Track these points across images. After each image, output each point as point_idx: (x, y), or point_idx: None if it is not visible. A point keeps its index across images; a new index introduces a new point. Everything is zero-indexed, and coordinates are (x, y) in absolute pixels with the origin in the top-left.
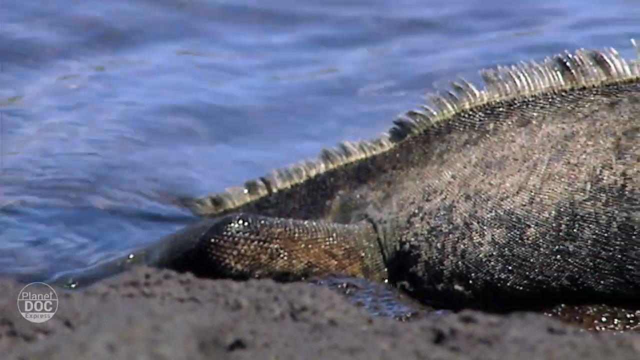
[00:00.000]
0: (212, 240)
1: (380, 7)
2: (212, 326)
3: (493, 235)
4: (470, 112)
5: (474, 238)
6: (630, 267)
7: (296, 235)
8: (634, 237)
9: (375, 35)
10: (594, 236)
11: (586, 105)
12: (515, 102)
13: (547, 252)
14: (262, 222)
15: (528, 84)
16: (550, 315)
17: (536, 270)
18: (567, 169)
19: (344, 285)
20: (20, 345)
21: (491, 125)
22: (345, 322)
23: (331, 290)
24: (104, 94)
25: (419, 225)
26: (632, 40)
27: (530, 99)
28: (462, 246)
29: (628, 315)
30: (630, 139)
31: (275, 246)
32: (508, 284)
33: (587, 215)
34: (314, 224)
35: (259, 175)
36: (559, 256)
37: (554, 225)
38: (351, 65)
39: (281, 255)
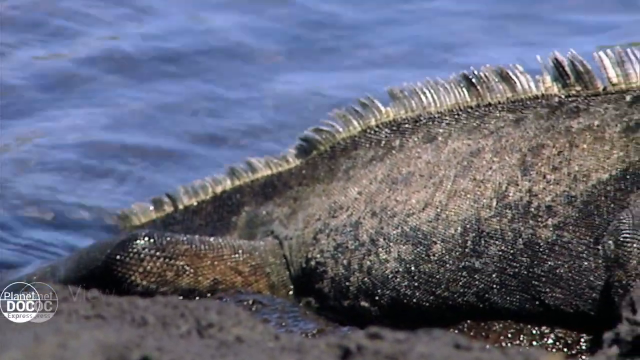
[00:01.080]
0: (118, 257)
1: None
2: (119, 343)
3: (399, 251)
4: (376, 129)
5: (380, 255)
6: (536, 282)
7: (202, 252)
8: (539, 253)
9: None
10: (500, 253)
11: (492, 122)
12: (421, 118)
13: (453, 269)
14: (168, 239)
15: (434, 100)
16: (456, 331)
17: (442, 287)
18: (472, 186)
19: (250, 302)
20: None
21: (397, 142)
22: (251, 338)
23: (237, 307)
24: None
25: (325, 241)
26: (538, 57)
27: (436, 116)
28: (368, 263)
29: (534, 331)
30: (535, 156)
31: (181, 263)
32: (414, 301)
33: (493, 232)
34: (220, 240)
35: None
36: (465, 272)
37: (460, 241)
38: None
39: (187, 272)
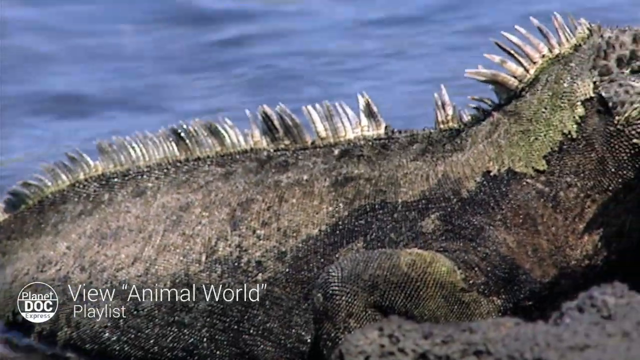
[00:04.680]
0: None
1: None
2: None
3: (108, 306)
4: (85, 183)
5: (89, 309)
6: (246, 337)
7: None
8: (250, 308)
9: None
10: (210, 307)
11: (201, 176)
12: (130, 172)
13: (162, 323)
14: None
15: (143, 154)
16: None
17: (151, 342)
18: (182, 240)
19: None
20: None
21: (106, 196)
22: None
23: None
24: None
25: None
26: (247, 111)
27: (145, 170)
28: (76, 317)
29: None
30: (245, 211)
31: None
32: (123, 356)
33: (202, 287)
34: None
35: None
36: (174, 327)
37: (169, 296)
38: None
39: None
